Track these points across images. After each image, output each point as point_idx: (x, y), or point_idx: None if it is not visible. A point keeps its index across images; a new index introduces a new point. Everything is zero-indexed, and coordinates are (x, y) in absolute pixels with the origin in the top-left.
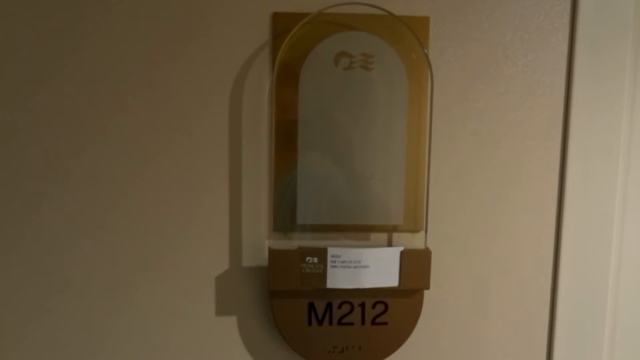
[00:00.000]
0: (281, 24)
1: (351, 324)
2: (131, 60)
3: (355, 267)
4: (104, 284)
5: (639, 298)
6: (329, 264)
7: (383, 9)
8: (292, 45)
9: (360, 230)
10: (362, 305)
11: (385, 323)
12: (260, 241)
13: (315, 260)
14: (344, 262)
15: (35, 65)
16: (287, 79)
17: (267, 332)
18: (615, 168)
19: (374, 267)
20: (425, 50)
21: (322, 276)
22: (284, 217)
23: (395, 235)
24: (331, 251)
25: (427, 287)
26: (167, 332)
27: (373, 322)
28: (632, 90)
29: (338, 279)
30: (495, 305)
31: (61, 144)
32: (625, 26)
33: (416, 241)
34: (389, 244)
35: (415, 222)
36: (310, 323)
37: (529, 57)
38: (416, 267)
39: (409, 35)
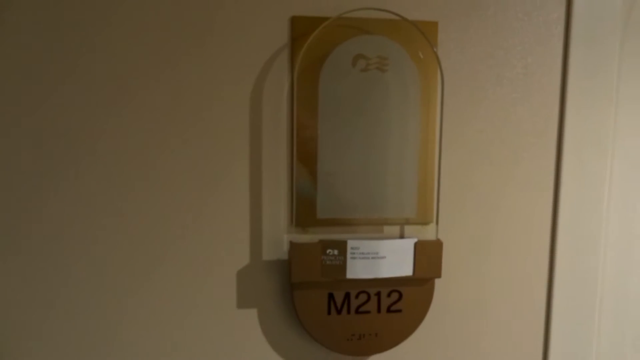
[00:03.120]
0: (299, 27)
1: (368, 312)
2: (157, 61)
3: (373, 258)
4: (126, 278)
5: (627, 281)
6: (348, 255)
7: (397, 14)
8: (312, 48)
9: (375, 224)
10: (378, 294)
11: (400, 310)
12: (280, 235)
13: (336, 252)
14: (362, 253)
15: (59, 61)
16: (308, 79)
17: (287, 323)
18: (605, 160)
19: (390, 258)
20: (435, 50)
21: (342, 267)
22: (303, 212)
23: (407, 227)
24: (350, 243)
25: (439, 276)
26: (190, 326)
27: (388, 310)
28: (617, 90)
29: (357, 269)
30: (498, 290)
31: (85, 137)
32: (614, 34)
33: (427, 233)
34: (401, 235)
35: (427, 214)
36: (329, 312)
37: (528, 60)
38: (429, 257)
39: (420, 38)
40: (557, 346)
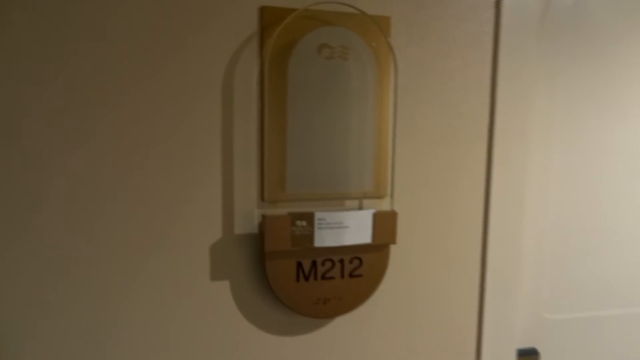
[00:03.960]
0: (268, 17)
1: (332, 278)
2: (135, 49)
3: (337, 227)
4: (104, 256)
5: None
6: (316, 226)
7: (357, 8)
8: (281, 36)
9: (337, 198)
10: (341, 261)
11: (360, 275)
12: (250, 210)
13: (304, 223)
14: (328, 224)
15: (34, 64)
16: (277, 65)
17: (258, 292)
18: (527, 143)
19: (352, 227)
20: (389, 40)
21: (310, 237)
22: (273, 188)
23: (365, 200)
24: (318, 215)
25: (394, 242)
26: (165, 299)
27: (350, 275)
28: (537, 80)
29: (324, 238)
30: (442, 252)
31: (66, 128)
32: (531, 32)
33: (383, 205)
34: (360, 208)
35: (382, 189)
36: (298, 280)
37: (465, 52)
38: (385, 225)
39: (376, 30)
40: (490, 300)
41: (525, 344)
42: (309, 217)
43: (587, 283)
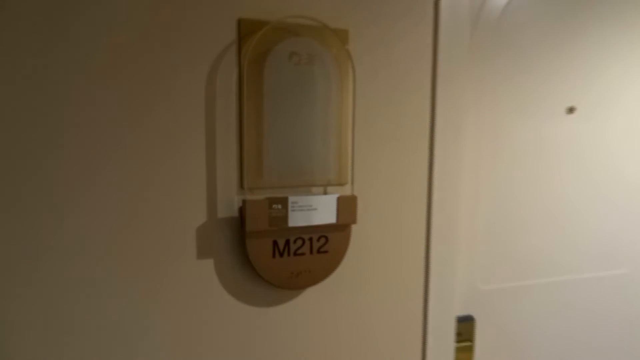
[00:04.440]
0: (245, 28)
1: (303, 254)
2: (128, 52)
3: (308, 210)
4: (97, 239)
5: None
6: (289, 208)
7: (320, 22)
8: (257, 45)
9: (305, 185)
10: (311, 239)
11: (327, 251)
12: (231, 197)
13: (280, 206)
14: (300, 206)
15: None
16: (253, 69)
17: (239, 268)
18: (461, 133)
19: (320, 210)
20: (347, 48)
21: (285, 218)
22: (251, 178)
23: (329, 187)
24: (291, 199)
25: (355, 222)
26: (154, 277)
27: (318, 252)
28: (468, 83)
29: (296, 219)
30: (395, 230)
31: (58, 119)
32: (464, 43)
33: (344, 190)
34: (325, 193)
35: (344, 176)
36: (274, 256)
37: (409, 61)
38: (347, 208)
39: (336, 40)
40: (434, 273)
41: (462, 312)
42: (284, 201)
43: (514, 257)
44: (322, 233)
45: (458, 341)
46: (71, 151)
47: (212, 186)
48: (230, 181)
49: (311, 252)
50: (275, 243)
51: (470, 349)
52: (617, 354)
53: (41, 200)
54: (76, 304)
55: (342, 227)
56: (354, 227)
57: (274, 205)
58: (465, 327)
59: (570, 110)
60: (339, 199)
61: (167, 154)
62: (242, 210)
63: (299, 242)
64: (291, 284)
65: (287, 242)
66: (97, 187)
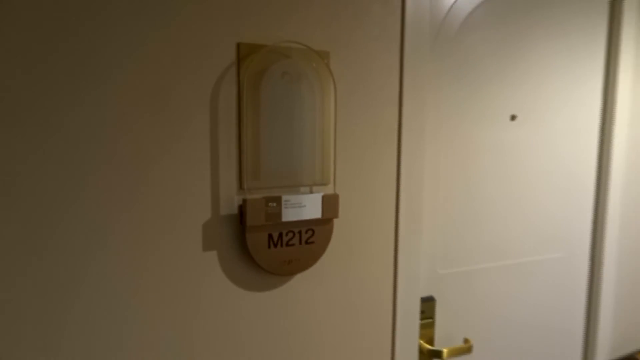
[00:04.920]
0: (243, 50)
1: (293, 244)
2: (142, 67)
3: (298, 207)
4: (117, 235)
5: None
6: (283, 206)
7: (306, 46)
8: (253, 65)
9: (294, 186)
10: (300, 232)
11: (313, 242)
12: (232, 197)
13: (275, 204)
14: (292, 204)
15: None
16: (251, 87)
17: (238, 258)
18: (423, 136)
19: (308, 206)
20: (328, 66)
21: (279, 214)
22: (248, 179)
23: (315, 187)
24: (284, 197)
25: (337, 217)
26: (166, 267)
27: (306, 242)
28: (430, 95)
29: (289, 215)
30: (370, 223)
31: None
32: (425, 60)
33: (327, 190)
34: (311, 192)
35: (327, 177)
36: (269, 247)
37: (380, 78)
38: (331, 204)
39: (321, 61)
40: (401, 260)
41: (425, 293)
42: (278, 200)
43: (468, 244)
44: (309, 226)
45: (422, 318)
46: (99, 157)
47: (215, 188)
48: (231, 183)
49: (300, 243)
50: (270, 236)
51: (432, 325)
52: (555, 326)
53: (59, 201)
54: (91, 294)
55: (326, 221)
56: (336, 221)
57: (270, 203)
58: (427, 306)
59: (513, 117)
60: (323, 197)
61: (178, 160)
62: (242, 208)
63: (290, 235)
64: (283, 271)
65: (280, 235)
66: (119, 189)
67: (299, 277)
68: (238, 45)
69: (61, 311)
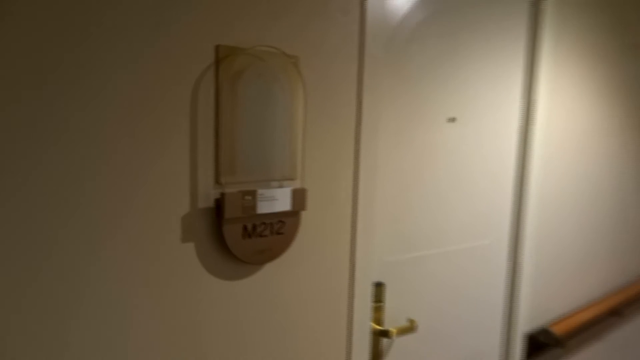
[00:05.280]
0: (222, 52)
1: (265, 235)
2: (132, 67)
3: (271, 200)
4: (99, 227)
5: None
6: (257, 199)
7: (279, 49)
8: (231, 66)
9: (266, 180)
10: (271, 223)
11: (283, 233)
12: (208, 191)
13: (250, 197)
14: (265, 197)
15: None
16: (229, 86)
17: (214, 248)
18: (377, 133)
19: (279, 199)
20: (298, 69)
21: (254, 207)
22: (224, 175)
23: (284, 181)
24: (259, 191)
25: (305, 209)
26: (148, 257)
27: (277, 233)
28: (384, 98)
29: (262, 207)
30: (331, 216)
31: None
32: (380, 67)
33: (296, 184)
34: (281, 187)
35: (295, 173)
36: (244, 237)
37: (341, 81)
38: (299, 198)
39: (291, 64)
40: (358, 249)
41: (376, 279)
42: (253, 193)
43: (410, 234)
44: (280, 218)
45: (374, 302)
46: (76, 147)
47: (194, 182)
48: (208, 178)
49: (271, 233)
50: (245, 227)
51: (382, 308)
52: (484, 303)
53: (49, 200)
54: (71, 286)
55: (295, 213)
56: (303, 213)
57: (246, 197)
58: (378, 290)
59: (451, 119)
60: (293, 191)
61: (160, 157)
62: (219, 201)
63: (263, 226)
64: (256, 260)
65: (254, 226)
66: (101, 183)
67: (269, 266)
68: (216, 47)
69: (39, 300)
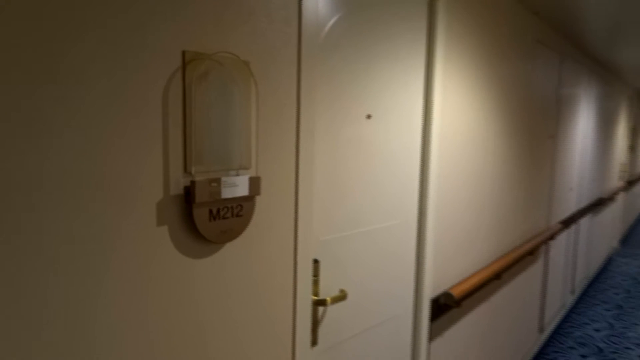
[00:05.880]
0: (188, 57)
1: (228, 218)
2: (105, 69)
3: (232, 186)
4: (78, 209)
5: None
6: (222, 185)
7: (235, 55)
8: (195, 70)
9: (226, 169)
10: (232, 207)
11: (242, 215)
12: (178, 179)
13: (216, 184)
14: (229, 184)
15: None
16: (194, 86)
17: (186, 229)
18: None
19: (240, 185)
20: (250, 71)
21: (219, 192)
22: (192, 164)
23: (241, 170)
24: (223, 179)
25: (259, 194)
26: (125, 240)
27: (237, 215)
28: (319, 95)
29: (226, 193)
30: (279, 200)
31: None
32: (316, 66)
33: (251, 172)
34: (238, 175)
35: (249, 162)
36: (210, 220)
37: (283, 80)
38: (255, 184)
39: (245, 68)
40: (300, 230)
41: (314, 256)
42: (218, 181)
43: (339, 216)
44: (239, 202)
45: (312, 276)
46: (70, 142)
47: (166, 172)
48: (178, 168)
49: (232, 216)
50: (211, 211)
51: (317, 282)
52: (397, 274)
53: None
54: (56, 268)
55: (251, 197)
56: (257, 198)
57: (212, 184)
58: (315, 266)
59: (369, 116)
60: (250, 179)
61: (137, 149)
62: (189, 188)
63: (225, 209)
64: (220, 239)
65: (218, 210)
66: (87, 174)
67: (230, 244)
68: (183, 52)
69: (26, 287)
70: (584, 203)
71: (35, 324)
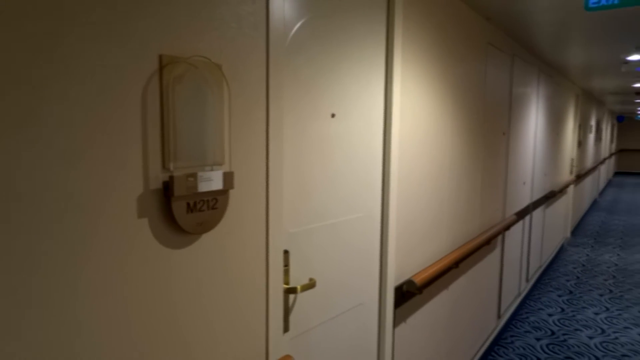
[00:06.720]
0: (164, 61)
1: (204, 210)
2: (87, 71)
3: (207, 181)
4: (68, 203)
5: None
6: (198, 180)
7: (208, 59)
8: (171, 73)
9: (201, 165)
10: (208, 200)
11: (216, 208)
12: (157, 175)
13: (193, 179)
14: (204, 178)
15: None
16: (171, 88)
17: (165, 221)
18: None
19: (214, 180)
20: (223, 73)
21: (196, 186)
22: (170, 161)
23: (215, 166)
24: (199, 174)
25: (233, 188)
26: (107, 232)
27: (212, 208)
28: (286, 97)
29: (202, 187)
30: (251, 195)
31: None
32: (281, 69)
33: (225, 168)
34: (213, 170)
35: (222, 159)
36: (187, 212)
37: (253, 82)
38: (228, 179)
39: (218, 70)
40: (271, 222)
41: (284, 247)
42: (195, 175)
43: (306, 209)
44: (214, 196)
45: (283, 266)
46: (54, 143)
47: (146, 168)
48: (156, 164)
49: (208, 208)
50: (188, 204)
51: (288, 271)
52: (362, 264)
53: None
54: (44, 262)
55: (225, 191)
56: (231, 192)
57: (189, 178)
58: (285, 257)
59: (333, 115)
60: (224, 174)
61: (119, 147)
62: (167, 183)
63: (201, 203)
64: (197, 231)
65: (195, 203)
66: (72, 171)
67: (206, 235)
68: (160, 56)
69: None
70: (537, 196)
71: (14, 316)
